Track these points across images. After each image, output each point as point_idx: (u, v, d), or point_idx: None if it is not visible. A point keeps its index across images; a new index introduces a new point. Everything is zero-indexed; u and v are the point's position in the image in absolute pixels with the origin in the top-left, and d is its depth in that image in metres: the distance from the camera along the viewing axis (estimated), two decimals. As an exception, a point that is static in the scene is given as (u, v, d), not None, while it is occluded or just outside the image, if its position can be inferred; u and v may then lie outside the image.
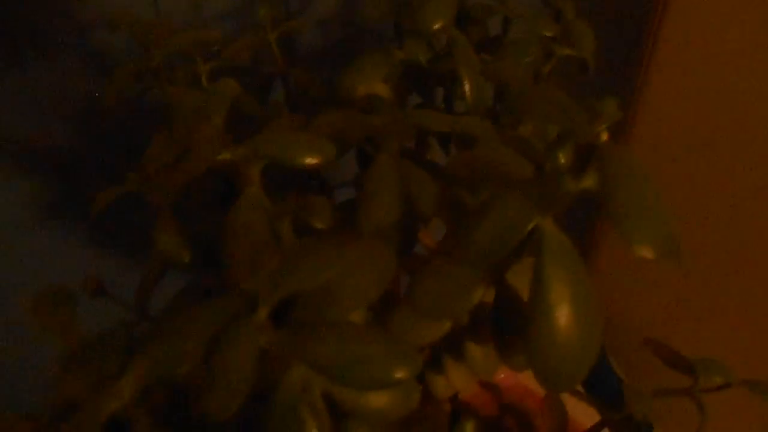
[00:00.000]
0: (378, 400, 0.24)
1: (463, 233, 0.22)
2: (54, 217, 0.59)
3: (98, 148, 0.56)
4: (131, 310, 0.33)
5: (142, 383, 0.16)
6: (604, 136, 0.18)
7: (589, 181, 0.19)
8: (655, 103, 0.66)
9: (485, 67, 0.33)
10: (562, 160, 0.20)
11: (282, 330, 0.18)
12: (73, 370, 0.16)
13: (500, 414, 0.41)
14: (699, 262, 0.64)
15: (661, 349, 0.36)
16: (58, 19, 0.51)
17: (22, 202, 0.57)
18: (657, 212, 0.17)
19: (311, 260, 0.20)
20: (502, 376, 0.45)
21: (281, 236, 0.30)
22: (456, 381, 0.30)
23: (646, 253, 0.17)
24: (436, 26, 0.34)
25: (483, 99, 0.33)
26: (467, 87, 0.34)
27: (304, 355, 0.18)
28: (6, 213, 0.57)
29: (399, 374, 0.18)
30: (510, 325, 0.26)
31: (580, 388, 0.38)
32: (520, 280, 0.28)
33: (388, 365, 0.18)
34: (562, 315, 0.21)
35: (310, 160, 0.27)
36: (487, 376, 0.30)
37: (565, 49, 0.37)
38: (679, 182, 0.65)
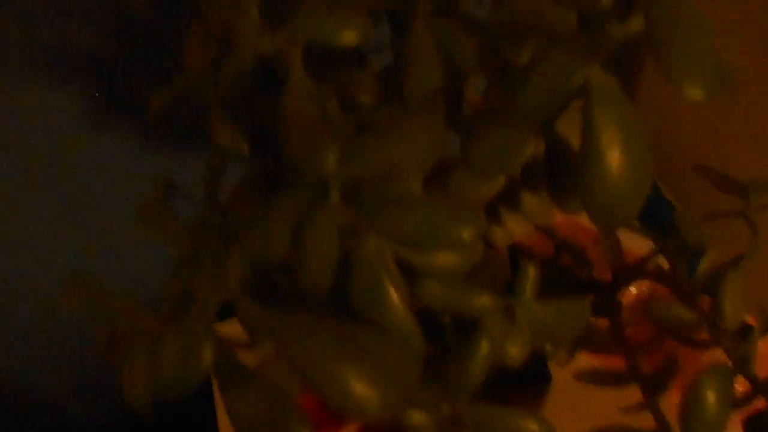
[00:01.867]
0: (445, 257, 0.26)
1: (511, 90, 0.22)
2: (100, 125, 0.60)
3: (132, 50, 0.57)
4: (200, 204, 0.36)
5: (242, 271, 0.18)
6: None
7: (635, 25, 0.19)
8: None
9: None
10: (604, 3, 0.20)
11: (355, 208, 0.20)
12: (183, 268, 0.18)
13: (556, 252, 0.44)
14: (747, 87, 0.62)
15: (711, 173, 0.36)
16: None
17: (70, 116, 0.58)
18: (706, 53, 0.17)
19: (370, 143, 0.21)
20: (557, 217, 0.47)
21: (330, 115, 0.31)
22: (514, 229, 0.32)
23: (696, 95, 0.17)
24: None
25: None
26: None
27: (378, 229, 0.19)
28: (55, 126, 0.59)
29: (465, 234, 0.20)
30: (562, 172, 0.27)
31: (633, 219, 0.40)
32: (567, 127, 0.28)
33: (455, 227, 0.20)
34: (614, 158, 0.22)
35: (349, 38, 0.27)
36: (543, 222, 0.31)
37: None
38: None
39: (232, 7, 0.30)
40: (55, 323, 0.72)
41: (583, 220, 0.55)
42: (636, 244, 0.43)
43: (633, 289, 0.48)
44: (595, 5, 0.21)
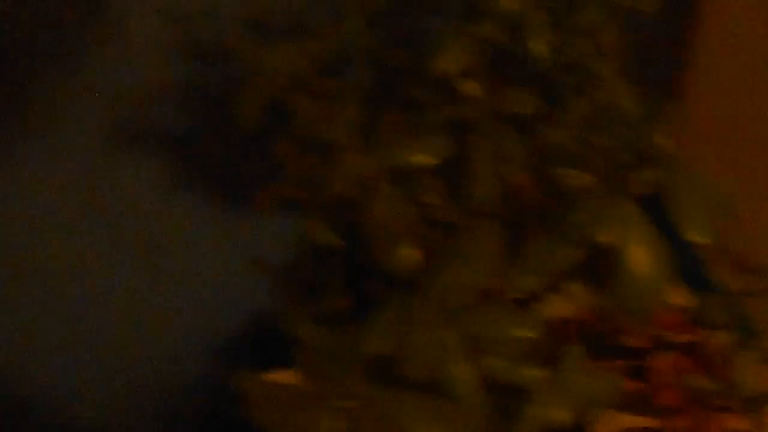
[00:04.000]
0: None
1: (562, 214, 0.29)
2: (188, 200, 0.68)
3: (211, 133, 0.64)
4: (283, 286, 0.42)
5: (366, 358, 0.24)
6: (666, 142, 0.24)
7: (653, 175, 0.25)
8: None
9: (555, 40, 0.38)
10: (628, 158, 0.26)
11: (443, 312, 0.26)
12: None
13: (596, 319, 0.49)
14: None
15: (735, 257, 0.42)
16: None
17: (160, 190, 0.66)
18: (704, 204, 0.23)
19: (454, 262, 0.27)
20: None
21: (406, 214, 0.38)
22: (558, 308, 0.38)
23: (697, 239, 0.23)
24: (515, 6, 0.39)
25: (552, 70, 0.38)
26: (538, 54, 0.39)
27: (462, 328, 0.26)
28: (145, 198, 0.66)
29: (527, 334, 0.26)
30: (597, 269, 0.33)
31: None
32: (603, 234, 0.34)
33: (518, 329, 0.26)
34: (638, 265, 0.29)
35: (425, 161, 0.34)
36: (584, 305, 0.37)
37: (627, 1, 0.41)
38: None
39: (324, 123, 0.38)
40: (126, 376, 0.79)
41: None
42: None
43: (667, 357, 0.53)
44: (622, 157, 0.27)
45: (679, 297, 0.46)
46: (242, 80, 0.61)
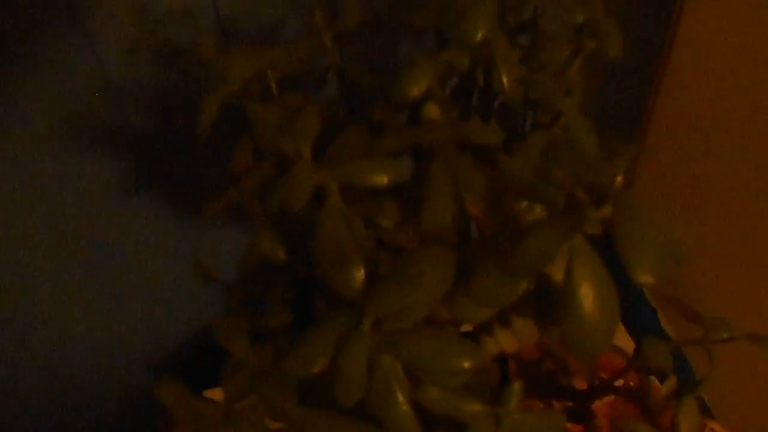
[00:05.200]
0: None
1: (512, 246, 0.28)
2: (131, 197, 0.66)
3: (178, 127, 0.62)
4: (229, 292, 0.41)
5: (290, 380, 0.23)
6: (618, 182, 0.24)
7: (606, 212, 0.25)
8: (675, 96, 0.69)
9: (522, 76, 0.38)
10: (582, 195, 0.26)
11: (380, 335, 0.25)
12: (238, 379, 0.23)
13: (541, 358, 0.49)
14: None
15: (679, 305, 0.42)
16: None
17: (102, 185, 0.64)
18: (654, 248, 0.23)
19: (396, 288, 0.26)
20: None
21: (356, 231, 0.37)
22: (503, 343, 0.37)
23: (645, 280, 0.23)
24: (479, 37, 0.39)
25: (517, 103, 0.38)
26: (506, 89, 0.40)
27: (399, 353, 0.25)
28: (87, 194, 0.64)
29: (466, 365, 0.25)
30: (546, 306, 0.33)
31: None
32: (553, 267, 0.34)
33: (457, 358, 0.25)
34: (588, 307, 0.28)
35: (380, 180, 0.33)
36: (528, 341, 0.37)
37: (592, 43, 0.42)
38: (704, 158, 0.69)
39: (282, 136, 0.37)
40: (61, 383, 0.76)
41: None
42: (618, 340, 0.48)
43: (605, 401, 0.53)
44: (578, 194, 0.27)
45: (621, 341, 0.46)
46: (206, 85, 0.60)
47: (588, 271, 0.28)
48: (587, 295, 0.28)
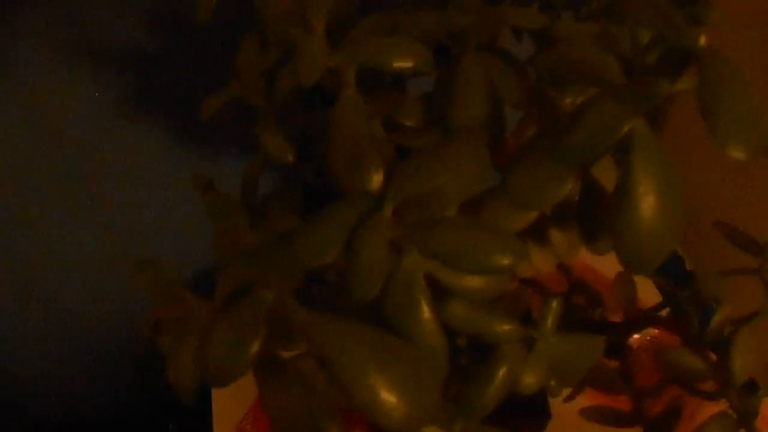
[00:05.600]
0: (475, 281, 0.27)
1: (558, 134, 0.24)
2: (137, 121, 0.62)
3: (181, 46, 0.58)
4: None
5: (293, 276, 0.19)
6: (702, 40, 0.19)
7: (684, 84, 0.20)
8: None
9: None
10: (651, 62, 0.21)
11: (403, 223, 0.21)
12: (235, 263, 0.19)
13: (570, 291, 0.45)
14: None
15: (730, 231, 0.37)
16: None
17: (106, 109, 0.60)
18: (751, 117, 0.18)
19: (421, 164, 0.22)
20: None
21: (375, 133, 0.33)
22: (538, 263, 0.33)
23: (739, 154, 0.18)
24: None
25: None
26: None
27: (423, 246, 0.21)
28: (98, 116, 0.60)
29: (505, 261, 0.21)
30: (594, 213, 0.28)
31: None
32: (602, 172, 0.30)
33: (496, 252, 0.21)
34: (648, 205, 0.24)
35: (405, 64, 0.28)
36: (567, 260, 0.33)
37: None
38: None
39: (292, 20, 0.32)
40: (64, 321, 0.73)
41: (597, 264, 0.55)
42: (647, 294, 0.44)
43: (644, 335, 0.49)
44: (644, 62, 0.22)
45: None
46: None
47: (652, 165, 0.23)
48: (648, 195, 0.24)
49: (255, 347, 0.18)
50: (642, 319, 0.38)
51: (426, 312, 0.23)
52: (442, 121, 0.32)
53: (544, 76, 0.29)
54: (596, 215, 0.28)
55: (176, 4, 0.56)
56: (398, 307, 0.23)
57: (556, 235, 0.31)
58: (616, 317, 0.42)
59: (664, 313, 0.38)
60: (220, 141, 0.65)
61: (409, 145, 0.33)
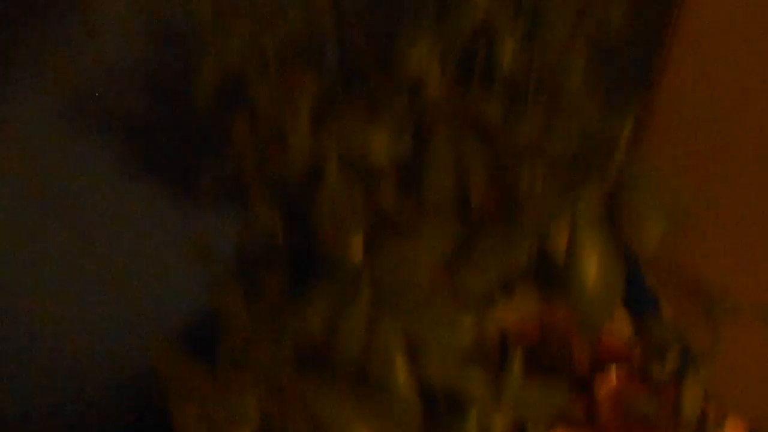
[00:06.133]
0: (445, 336, 0.30)
1: (516, 210, 0.28)
2: (131, 179, 0.65)
3: (178, 112, 0.61)
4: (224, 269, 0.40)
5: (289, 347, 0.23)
6: (623, 144, 0.23)
7: (605, 187, 0.25)
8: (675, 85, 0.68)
9: (525, 46, 0.37)
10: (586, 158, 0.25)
11: (378, 299, 0.25)
12: (233, 340, 0.23)
13: (542, 340, 0.48)
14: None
15: (681, 277, 0.41)
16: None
17: (100, 167, 0.63)
18: (656, 217, 0.22)
19: (394, 244, 0.26)
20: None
21: (356, 210, 0.37)
22: (505, 316, 0.37)
23: (645, 248, 0.22)
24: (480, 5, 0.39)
25: (517, 71, 0.38)
26: (505, 59, 0.39)
27: (396, 316, 0.24)
28: (85, 176, 0.63)
29: (467, 322, 0.25)
30: (549, 276, 0.32)
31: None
32: (555, 240, 0.34)
33: (457, 330, 0.25)
34: (591, 276, 0.28)
35: (379, 161, 0.32)
36: (529, 312, 0.36)
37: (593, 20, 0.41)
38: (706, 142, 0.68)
39: (281, 105, 0.36)
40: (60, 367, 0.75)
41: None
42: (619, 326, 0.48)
43: (608, 384, 0.52)
44: (583, 158, 0.26)
45: (622, 319, 0.45)
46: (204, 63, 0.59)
47: (592, 240, 0.27)
48: (590, 266, 0.28)
49: (254, 417, 0.22)
50: (604, 364, 0.42)
51: (401, 368, 0.27)
52: (412, 196, 0.37)
53: (506, 152, 0.33)
54: (551, 277, 0.32)
55: (174, 70, 0.60)
56: (378, 367, 0.27)
57: (518, 295, 0.35)
58: (584, 360, 0.45)
59: (625, 359, 0.41)
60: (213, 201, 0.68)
61: (385, 217, 0.37)
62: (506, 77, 0.43)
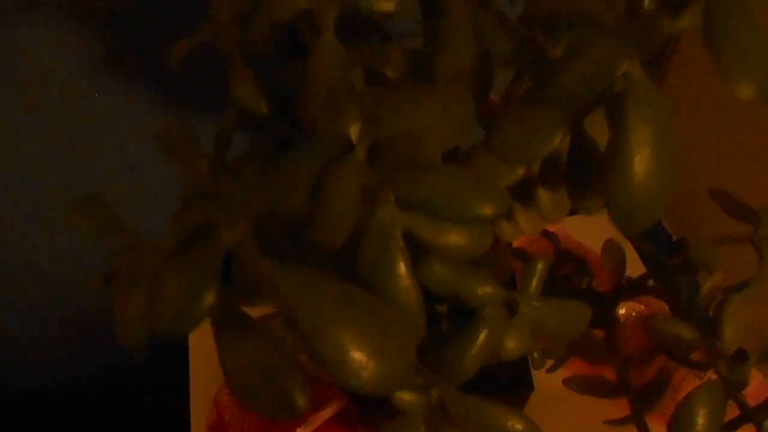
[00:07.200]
0: (455, 238, 0.25)
1: (548, 77, 0.22)
2: (112, 73, 0.59)
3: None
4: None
5: (256, 215, 0.17)
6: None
7: (688, 21, 0.19)
8: None
9: None
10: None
11: (378, 168, 0.19)
12: (197, 203, 0.18)
13: (557, 260, 0.43)
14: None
15: (724, 198, 0.36)
16: None
17: (80, 61, 0.57)
18: (763, 53, 0.16)
19: (400, 106, 0.20)
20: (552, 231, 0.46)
21: (354, 84, 0.31)
22: (524, 225, 0.32)
23: (748, 92, 0.16)
24: None
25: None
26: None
27: (400, 192, 0.19)
28: (64, 70, 0.58)
29: (487, 210, 0.19)
30: (584, 170, 0.27)
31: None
32: (593, 128, 0.28)
33: (477, 200, 0.19)
34: (642, 160, 0.22)
35: (387, 6, 0.26)
36: (554, 221, 0.31)
37: None
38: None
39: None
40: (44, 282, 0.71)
41: (581, 236, 0.54)
42: (633, 269, 0.43)
43: (630, 310, 0.48)
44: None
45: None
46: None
47: (647, 114, 0.22)
48: (642, 148, 0.22)
49: (209, 299, 0.17)
50: (630, 287, 0.37)
51: (402, 267, 0.22)
52: (427, 74, 0.31)
53: (535, 25, 0.27)
54: (586, 173, 0.26)
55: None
56: (372, 262, 0.21)
57: (543, 195, 0.29)
58: (603, 290, 0.41)
59: (651, 284, 0.37)
60: (198, 99, 0.62)
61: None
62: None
